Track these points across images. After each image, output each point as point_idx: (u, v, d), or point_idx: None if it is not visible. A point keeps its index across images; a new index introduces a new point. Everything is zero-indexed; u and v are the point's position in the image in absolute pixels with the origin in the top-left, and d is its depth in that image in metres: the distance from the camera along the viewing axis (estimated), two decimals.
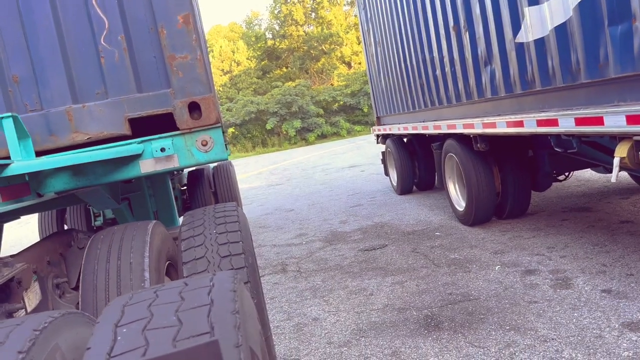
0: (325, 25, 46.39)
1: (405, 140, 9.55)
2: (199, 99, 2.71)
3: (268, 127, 38.14)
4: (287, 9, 46.59)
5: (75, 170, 2.59)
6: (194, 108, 2.74)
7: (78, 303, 2.65)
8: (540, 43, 4.09)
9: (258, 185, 15.98)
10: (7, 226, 4.00)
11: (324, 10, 46.84)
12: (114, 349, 1.04)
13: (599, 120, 3.37)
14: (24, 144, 2.52)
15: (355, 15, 46.48)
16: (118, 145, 2.62)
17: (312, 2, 47.02)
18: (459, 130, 5.79)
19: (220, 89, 43.43)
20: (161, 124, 2.86)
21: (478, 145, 5.46)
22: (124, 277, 2.29)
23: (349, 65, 46.81)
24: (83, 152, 2.54)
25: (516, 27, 4.40)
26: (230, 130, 37.71)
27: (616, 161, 3.31)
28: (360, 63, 45.41)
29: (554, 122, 3.95)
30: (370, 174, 13.60)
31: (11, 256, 2.38)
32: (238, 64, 47.33)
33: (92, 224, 6.63)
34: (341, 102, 39.42)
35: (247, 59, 47.96)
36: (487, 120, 5.05)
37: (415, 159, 9.26)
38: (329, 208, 9.44)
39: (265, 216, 9.78)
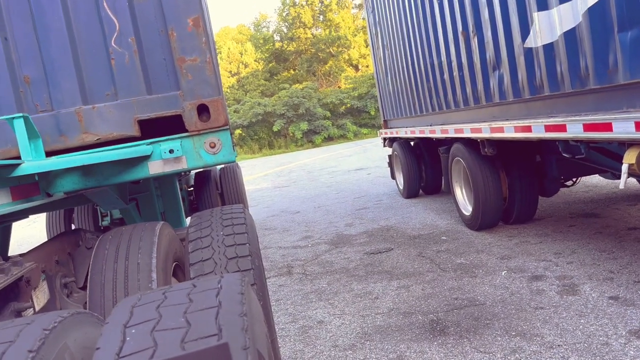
0: (333, 28, 46.48)
1: (412, 143, 9.55)
2: (207, 101, 2.73)
3: (275, 129, 38.22)
4: (295, 11, 46.74)
5: (85, 170, 2.61)
6: (202, 110, 2.76)
7: (86, 302, 2.67)
8: (549, 48, 4.08)
9: (264, 187, 16.00)
10: (14, 225, 4.04)
11: (332, 13, 46.93)
12: (123, 350, 1.05)
13: (607, 127, 3.35)
14: (35, 144, 2.54)
15: (364, 18, 46.52)
16: (127, 146, 2.64)
17: (320, 4, 47.13)
18: (467, 134, 5.78)
19: (228, 90, 43.58)
20: (169, 125, 2.88)
21: (485, 149, 5.45)
22: (132, 277, 2.30)
23: (356, 68, 46.86)
24: (93, 152, 2.56)
25: (525, 32, 4.40)
26: (237, 131, 37.82)
27: (625, 167, 3.29)
28: (367, 66, 45.43)
29: (562, 128, 3.93)
30: (377, 177, 13.60)
31: (20, 255, 2.40)
32: (246, 65, 47.48)
33: (100, 224, 6.67)
34: (348, 105, 39.44)
35: (255, 60, 48.11)
36: (495, 124, 5.04)
37: (421, 163, 9.26)
38: (335, 211, 9.44)
39: (271, 218, 9.79)
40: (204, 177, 7.31)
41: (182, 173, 6.52)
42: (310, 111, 38.25)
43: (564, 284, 4.13)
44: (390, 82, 9.67)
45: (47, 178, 2.56)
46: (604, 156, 4.42)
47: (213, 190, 7.56)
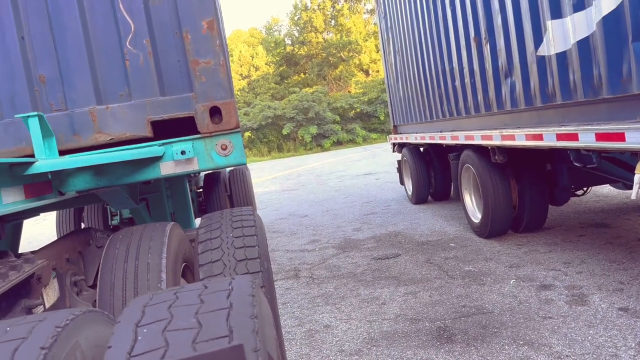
0: (345, 33, 46.58)
1: (421, 149, 9.53)
2: (220, 103, 2.74)
3: (284, 132, 38.31)
4: (307, 15, 46.90)
5: (97, 170, 2.63)
6: (214, 112, 2.77)
7: (95, 301, 2.69)
8: (562, 57, 4.06)
9: (273, 190, 16.03)
10: (24, 223, 4.07)
11: (344, 18, 47.04)
12: (135, 349, 1.05)
13: (620, 137, 3.33)
14: (48, 142, 2.57)
15: (375, 24, 46.58)
16: (140, 146, 2.65)
17: (332, 9, 47.25)
18: (477, 141, 5.76)
19: (239, 93, 43.75)
20: (180, 126, 2.89)
21: (496, 157, 5.43)
22: (142, 277, 2.31)
23: (366, 72, 46.90)
24: (105, 152, 2.58)
25: (538, 39, 4.38)
26: (247, 134, 37.96)
27: (637, 178, 3.27)
28: (378, 71, 45.46)
29: (574, 137, 3.91)
30: (385, 182, 13.58)
31: (32, 252, 2.42)
32: (257, 68, 47.67)
33: (109, 223, 6.72)
34: (358, 110, 39.47)
35: (266, 64, 48.29)
36: (506, 132, 5.02)
37: (431, 169, 9.23)
38: (343, 215, 9.44)
39: (279, 221, 9.80)
40: (213, 178, 7.34)
41: (192, 174, 6.55)
42: (319, 115, 38.31)
43: (573, 293, 4.10)
44: (400, 87, 9.66)
45: (60, 177, 2.58)
46: (616, 166, 4.39)
47: (222, 192, 7.59)
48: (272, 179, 20.52)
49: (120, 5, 2.66)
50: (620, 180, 4.77)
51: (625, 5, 3.20)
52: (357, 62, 46.52)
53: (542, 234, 5.94)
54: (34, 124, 2.46)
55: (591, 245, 5.28)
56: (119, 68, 2.71)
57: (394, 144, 10.79)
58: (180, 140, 2.72)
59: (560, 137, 4.09)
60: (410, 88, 8.91)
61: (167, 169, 2.72)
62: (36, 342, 1.09)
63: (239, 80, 46.30)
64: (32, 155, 2.65)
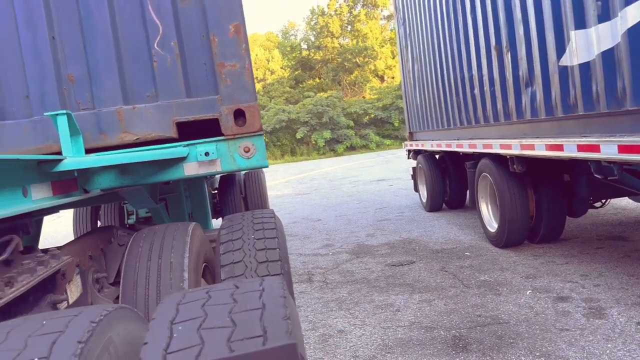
0: (361, 39, 46.65)
1: (437, 157, 9.50)
2: (244, 106, 2.77)
3: (298, 136, 38.39)
4: (323, 20, 47.05)
5: (122, 169, 2.67)
6: (238, 115, 2.80)
7: (116, 298, 2.72)
8: (585, 67, 4.04)
9: (286, 194, 16.06)
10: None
11: (361, 24, 47.11)
12: (170, 346, 1.07)
13: None
14: (75, 140, 2.61)
15: (392, 30, 46.61)
16: (164, 147, 2.69)
17: (349, 15, 47.35)
18: (496, 150, 5.73)
19: None
20: (202, 127, 2.93)
21: (515, 166, 5.40)
22: (164, 275, 2.34)
23: (381, 78, 46.88)
24: (131, 152, 2.62)
25: (561, 49, 4.36)
26: None
27: None
28: (393, 77, 45.43)
29: (595, 148, 3.88)
30: (399, 188, 13.54)
31: (58, 248, 2.46)
32: (272, 72, 47.89)
33: (125, 222, 6.79)
34: (372, 115, 39.44)
35: (281, 68, 48.49)
36: (525, 141, 4.99)
37: (446, 177, 9.20)
38: (356, 220, 9.43)
39: (293, 224, 9.82)
40: (228, 180, 7.38)
41: (210, 175, 6.59)
42: (333, 120, 38.35)
43: (590, 306, 4.05)
44: (418, 94, 9.65)
45: (86, 175, 2.62)
46: (638, 179, 4.34)
47: (237, 194, 7.63)
48: (285, 183, 20.57)
49: (150, 8, 2.70)
50: None
51: None
52: (373, 67, 46.53)
53: (559, 245, 5.89)
54: (62, 122, 2.51)
55: (609, 258, 5.22)
56: (147, 69, 2.75)
57: (409, 151, 10.77)
58: (205, 142, 2.75)
59: (581, 148, 4.06)
60: (428, 95, 8.90)
61: (190, 169, 2.75)
62: (73, 336, 1.11)
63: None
64: (59, 153, 2.70)
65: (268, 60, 48.59)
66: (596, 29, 3.82)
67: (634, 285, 4.37)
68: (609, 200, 6.07)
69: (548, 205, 5.65)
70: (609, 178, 4.34)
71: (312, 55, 48.20)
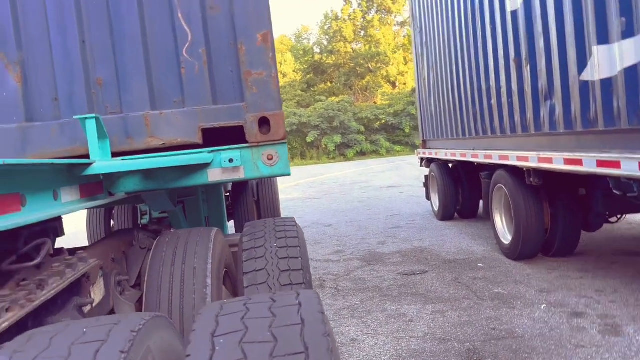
0: (374, 44, 46.66)
1: (450, 165, 9.48)
2: (269, 114, 2.79)
3: (308, 139, 38.43)
4: (337, 25, 47.14)
5: (147, 173, 2.70)
6: (263, 123, 2.82)
7: (137, 301, 2.74)
8: (607, 83, 4.02)
9: (296, 197, 16.08)
10: None
11: (374, 29, 47.14)
12: (213, 359, 1.08)
13: None
14: (102, 144, 2.64)
15: (404, 36, 46.61)
16: (190, 153, 2.71)
17: (362, 20, 47.41)
18: (512, 162, 5.71)
19: None
20: (224, 133, 2.95)
21: (531, 179, 5.38)
22: (188, 281, 2.36)
23: (393, 84, 46.86)
24: (157, 156, 2.65)
25: (582, 64, 4.35)
26: None
27: None
28: (405, 83, 45.39)
29: (616, 164, 3.86)
30: (410, 195, 13.52)
31: (82, 249, 2.49)
32: (284, 75, 48.03)
33: (139, 222, 6.83)
34: (383, 121, 39.41)
35: (294, 71, 48.62)
36: (543, 155, 4.98)
37: (459, 186, 9.17)
38: (367, 227, 9.42)
39: (304, 229, 9.81)
40: (241, 184, 7.40)
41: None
42: (344, 124, 38.37)
43: (606, 323, 4.03)
44: (432, 103, 9.64)
45: (112, 178, 2.65)
46: None
47: (250, 197, 7.65)
48: (294, 186, 20.60)
49: (179, 15, 2.74)
50: None
51: None
52: (385, 73, 46.53)
53: (573, 260, 5.85)
54: (91, 126, 2.54)
55: (624, 274, 5.18)
56: (175, 75, 2.78)
57: (422, 159, 10.76)
58: (229, 149, 2.77)
59: (601, 163, 4.05)
60: (443, 104, 8.89)
61: (214, 175, 2.77)
62: (115, 345, 1.13)
63: None
64: (86, 156, 2.73)
65: (280, 64, 48.73)
66: (620, 44, 3.81)
67: None
68: (624, 215, 6.03)
69: (564, 218, 5.62)
70: (628, 194, 4.32)
71: (325, 59, 48.28)
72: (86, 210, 7.27)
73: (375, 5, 47.72)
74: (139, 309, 2.77)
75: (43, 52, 2.77)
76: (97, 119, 2.57)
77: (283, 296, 1.36)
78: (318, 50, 49.80)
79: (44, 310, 1.93)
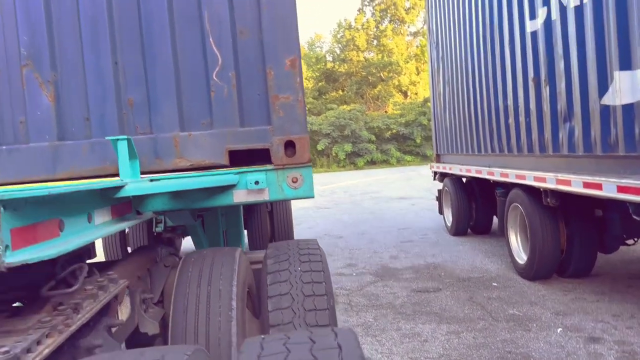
0: (386, 53, 46.71)
1: (464, 180, 9.47)
2: (295, 138, 2.83)
3: (319, 147, 38.47)
4: (350, 34, 47.29)
5: (175, 193, 2.74)
6: (288, 145, 2.86)
7: (162, 319, 2.78)
8: (628, 109, 4.03)
9: (306, 206, 16.10)
10: None
11: (387, 39, 47.22)
12: None
13: None
14: (132, 164, 2.69)
15: (417, 46, 46.66)
16: (217, 174, 2.76)
17: (375, 29, 47.54)
18: (529, 182, 5.71)
19: None
20: (247, 155, 2.99)
21: (548, 200, 5.37)
22: (214, 303, 2.39)
23: (405, 94, 46.84)
24: (186, 177, 2.69)
25: (603, 88, 4.35)
26: None
27: None
28: (416, 93, 45.37)
29: (636, 191, 3.86)
30: (422, 208, 13.49)
31: (107, 264, 2.53)
32: None
33: (153, 230, 6.88)
34: (394, 131, 39.36)
35: (306, 78, 48.76)
36: (561, 176, 4.97)
37: (473, 201, 9.15)
38: (378, 240, 9.43)
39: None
40: None
41: None
42: (355, 133, 38.38)
43: (623, 350, 4.01)
44: (447, 118, 9.65)
45: (141, 198, 2.70)
46: None
47: (263, 207, 7.72)
48: None
49: (210, 40, 2.79)
50: None
51: None
52: (397, 83, 46.53)
53: (589, 281, 5.82)
54: (122, 147, 2.60)
55: None
56: (204, 98, 2.83)
57: (435, 173, 10.76)
58: (255, 170, 2.81)
59: (621, 189, 4.04)
60: (458, 119, 8.90)
61: (239, 197, 2.81)
62: None
63: None
64: (115, 174, 2.79)
65: None
66: None
67: None
68: None
69: (580, 240, 5.60)
70: None
71: (337, 67, 48.41)
72: None
73: (389, 15, 47.84)
74: (161, 326, 2.81)
75: (76, 73, 2.83)
76: (128, 140, 2.62)
77: (321, 337, 1.38)
78: (330, 59, 49.96)
79: (77, 332, 1.97)
